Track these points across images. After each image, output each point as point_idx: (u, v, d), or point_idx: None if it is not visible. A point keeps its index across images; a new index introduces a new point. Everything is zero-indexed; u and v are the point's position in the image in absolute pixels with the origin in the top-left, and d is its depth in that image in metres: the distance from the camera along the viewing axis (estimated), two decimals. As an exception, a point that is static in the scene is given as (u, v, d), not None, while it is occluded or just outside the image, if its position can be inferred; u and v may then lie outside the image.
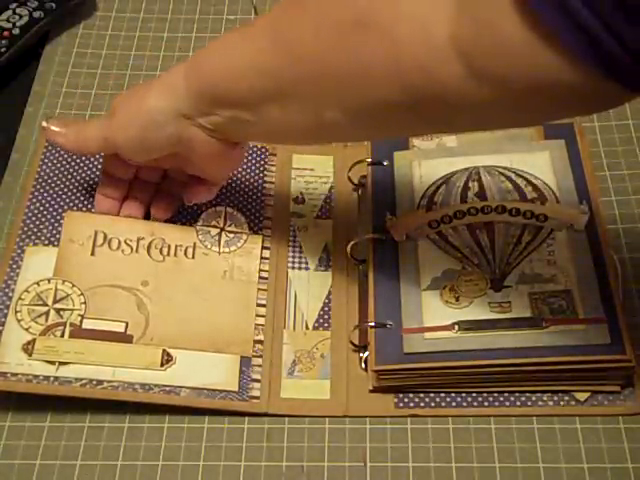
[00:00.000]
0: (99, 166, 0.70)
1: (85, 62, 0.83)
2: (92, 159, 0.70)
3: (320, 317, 0.65)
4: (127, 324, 0.62)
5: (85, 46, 0.84)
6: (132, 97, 0.60)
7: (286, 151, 0.74)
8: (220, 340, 0.62)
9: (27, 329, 0.61)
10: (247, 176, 0.71)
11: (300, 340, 0.64)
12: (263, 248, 0.68)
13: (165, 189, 0.67)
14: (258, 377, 0.61)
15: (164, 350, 0.61)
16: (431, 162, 0.70)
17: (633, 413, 0.59)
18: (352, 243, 0.67)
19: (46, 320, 0.61)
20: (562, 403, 0.60)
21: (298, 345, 0.64)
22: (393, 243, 0.66)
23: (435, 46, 0.43)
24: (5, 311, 0.61)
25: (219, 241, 0.67)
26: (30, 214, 0.66)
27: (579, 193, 0.66)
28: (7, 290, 0.62)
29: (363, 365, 0.62)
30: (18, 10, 0.83)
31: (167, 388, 0.60)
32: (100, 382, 0.59)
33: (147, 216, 0.68)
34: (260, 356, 0.62)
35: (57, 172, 0.69)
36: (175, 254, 0.66)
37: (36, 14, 0.82)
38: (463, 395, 0.60)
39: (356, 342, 0.63)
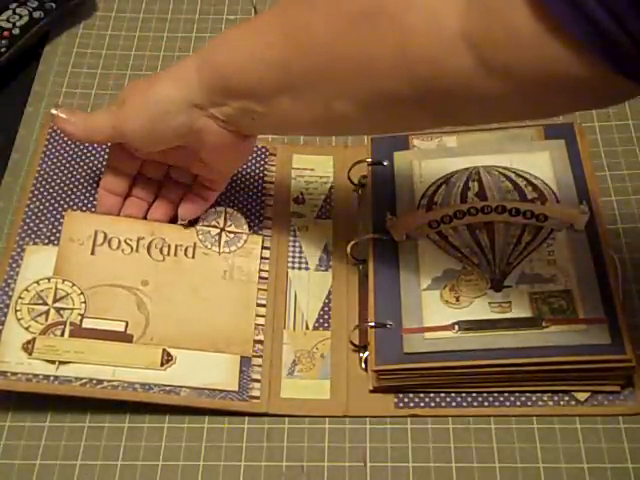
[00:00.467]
0: (99, 166, 0.70)
1: (85, 62, 0.83)
2: (92, 158, 0.70)
3: (320, 317, 0.65)
4: (127, 324, 0.62)
5: (85, 46, 0.84)
6: (143, 86, 0.60)
7: (286, 151, 0.74)
8: (220, 340, 0.62)
9: (27, 328, 0.61)
10: (247, 176, 0.71)
11: (300, 340, 0.64)
12: (263, 248, 0.68)
13: (165, 193, 0.67)
14: (258, 377, 0.61)
15: (164, 350, 0.61)
16: (431, 162, 0.70)
17: (633, 413, 0.59)
18: (352, 243, 0.67)
19: (46, 319, 0.61)
20: (562, 403, 0.60)
21: (298, 345, 0.63)
22: (393, 243, 0.66)
23: (445, 37, 0.43)
24: (5, 310, 0.61)
25: (219, 241, 0.67)
26: (30, 214, 0.66)
27: (579, 193, 0.66)
28: (7, 289, 0.62)
29: (363, 365, 0.62)
30: (18, 10, 0.83)
31: (167, 388, 0.60)
32: (100, 382, 0.59)
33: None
34: (260, 356, 0.62)
35: (57, 172, 0.69)
36: (175, 254, 0.66)
37: (36, 14, 0.82)
38: (463, 395, 0.60)
39: (356, 342, 0.63)
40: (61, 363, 0.60)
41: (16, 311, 0.61)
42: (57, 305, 0.62)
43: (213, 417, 0.60)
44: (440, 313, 0.62)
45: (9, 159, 0.75)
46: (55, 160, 0.70)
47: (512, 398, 0.60)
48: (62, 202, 0.67)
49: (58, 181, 0.69)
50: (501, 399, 0.60)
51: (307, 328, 0.64)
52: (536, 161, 0.69)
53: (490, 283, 0.63)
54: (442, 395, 0.61)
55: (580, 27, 0.38)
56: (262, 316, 0.64)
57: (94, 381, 0.59)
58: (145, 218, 0.67)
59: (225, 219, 0.68)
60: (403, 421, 0.60)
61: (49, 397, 0.60)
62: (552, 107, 0.47)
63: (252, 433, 0.60)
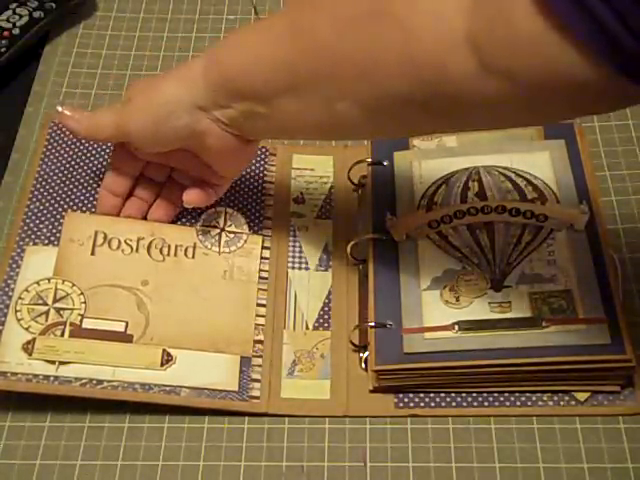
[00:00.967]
0: (99, 166, 0.70)
1: (85, 62, 0.83)
2: (92, 159, 0.70)
3: (320, 317, 0.65)
4: (127, 324, 0.62)
5: (85, 46, 0.84)
6: (148, 86, 0.60)
7: (286, 151, 0.74)
8: (220, 340, 0.62)
9: (27, 328, 0.61)
10: (247, 176, 0.71)
11: (300, 340, 0.64)
12: (263, 248, 0.68)
13: (167, 194, 0.67)
14: (258, 377, 0.61)
15: (164, 350, 0.61)
16: (431, 162, 0.70)
17: (633, 413, 0.59)
18: (352, 243, 0.67)
19: (46, 319, 0.61)
20: (562, 403, 0.60)
21: (298, 345, 0.63)
22: (393, 243, 0.66)
23: (449, 39, 0.43)
24: (5, 310, 0.61)
25: (219, 241, 0.67)
26: (30, 214, 0.66)
27: (579, 193, 0.66)
28: (7, 289, 0.62)
29: (363, 365, 0.62)
30: (18, 10, 0.83)
31: (167, 388, 0.60)
32: (100, 382, 0.59)
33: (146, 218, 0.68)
34: (260, 356, 0.62)
35: (57, 172, 0.69)
36: (175, 254, 0.66)
37: (36, 14, 0.82)
38: (463, 395, 0.60)
39: (356, 342, 0.63)
40: (61, 363, 0.60)
41: (16, 311, 0.61)
42: (57, 305, 0.62)
43: (213, 417, 0.60)
44: (440, 313, 0.62)
45: (9, 159, 0.75)
46: (55, 160, 0.70)
47: (512, 398, 0.60)
48: (62, 202, 0.67)
49: (58, 181, 0.69)
50: (501, 399, 0.60)
51: (307, 328, 0.64)
52: (536, 161, 0.69)
53: (490, 283, 0.63)
54: (442, 395, 0.61)
55: (583, 25, 0.37)
56: (262, 316, 0.64)
57: (94, 381, 0.59)
58: (145, 218, 0.67)
59: (225, 219, 0.68)
60: (403, 421, 0.60)
61: (49, 397, 0.60)
62: (556, 112, 0.47)
63: (252, 433, 0.60)
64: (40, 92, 0.80)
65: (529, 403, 0.60)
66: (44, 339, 0.61)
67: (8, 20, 0.82)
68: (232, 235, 0.68)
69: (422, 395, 0.61)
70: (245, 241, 0.68)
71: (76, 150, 0.71)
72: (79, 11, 0.86)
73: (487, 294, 0.62)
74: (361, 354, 0.63)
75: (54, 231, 0.66)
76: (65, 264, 0.64)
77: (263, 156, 0.73)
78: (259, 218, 0.69)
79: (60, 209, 0.67)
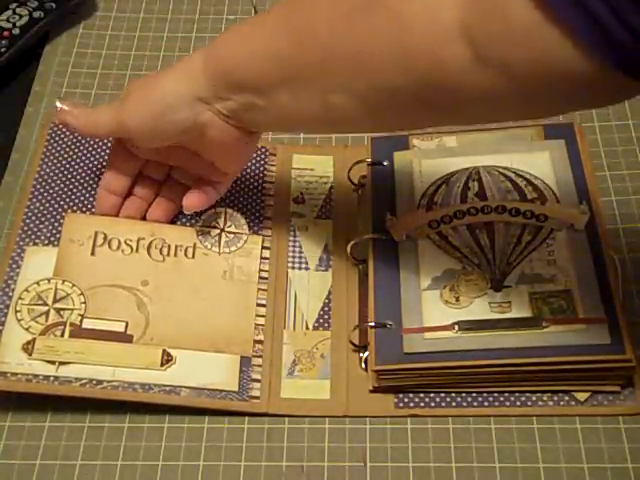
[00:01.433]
0: (99, 166, 0.70)
1: (85, 62, 0.83)
2: (92, 159, 0.70)
3: (320, 317, 0.65)
4: (127, 324, 0.62)
5: (85, 46, 0.84)
6: (147, 81, 0.60)
7: (286, 151, 0.74)
8: (220, 340, 0.62)
9: (27, 329, 0.61)
10: (247, 176, 0.71)
11: (300, 340, 0.64)
12: (263, 248, 0.68)
13: (166, 192, 0.67)
14: (258, 377, 0.61)
15: (164, 350, 0.61)
16: (431, 162, 0.70)
17: (633, 413, 0.59)
18: (352, 243, 0.67)
19: (46, 320, 0.61)
20: (562, 403, 0.60)
21: (298, 345, 0.64)
22: (393, 243, 0.66)
23: (442, 29, 0.43)
24: (5, 311, 0.61)
25: (219, 241, 0.67)
26: (30, 214, 0.66)
27: (579, 193, 0.66)
28: (7, 290, 0.63)
29: (363, 365, 0.62)
30: (18, 10, 0.83)
31: (167, 388, 0.60)
32: (100, 382, 0.59)
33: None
34: (260, 356, 0.62)
35: (57, 172, 0.69)
36: (175, 254, 0.66)
37: (36, 14, 0.82)
38: (463, 395, 0.60)
39: (356, 342, 0.63)
40: (61, 364, 0.60)
41: (16, 312, 0.61)
42: (57, 306, 0.62)
43: (213, 417, 0.60)
44: (440, 313, 0.62)
45: (9, 159, 0.75)
46: (55, 160, 0.70)
47: (512, 398, 0.60)
48: (62, 202, 0.67)
49: (58, 181, 0.69)
50: (501, 399, 0.60)
51: (307, 328, 0.64)
52: (536, 161, 0.69)
53: (490, 283, 0.63)
54: (442, 395, 0.61)
55: (578, 19, 0.37)
56: (262, 316, 0.64)
57: (94, 381, 0.59)
58: (145, 217, 0.67)
59: (225, 219, 0.68)
60: (403, 421, 0.60)
61: (49, 397, 0.60)
62: (551, 105, 0.47)
63: (252, 433, 0.60)
64: (40, 92, 0.80)
65: (529, 403, 0.60)
66: (44, 339, 0.61)
67: (8, 20, 0.82)
68: (232, 235, 0.68)
69: (422, 395, 0.61)
70: (245, 241, 0.68)
71: (76, 150, 0.71)
72: (79, 11, 0.86)
73: (487, 294, 0.62)
74: (361, 354, 0.63)
75: (54, 231, 0.66)
76: (65, 264, 0.64)
77: (263, 156, 0.73)
78: (259, 218, 0.69)
79: (60, 209, 0.67)
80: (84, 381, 0.59)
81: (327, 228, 0.70)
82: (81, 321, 0.62)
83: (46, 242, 0.65)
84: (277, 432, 0.60)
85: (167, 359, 0.61)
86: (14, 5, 0.83)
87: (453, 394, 0.61)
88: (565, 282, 0.62)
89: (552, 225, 0.65)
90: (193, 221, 0.68)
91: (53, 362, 0.60)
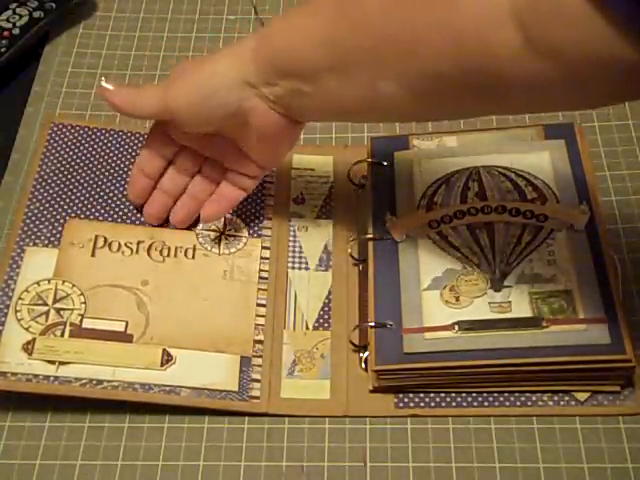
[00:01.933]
0: (99, 166, 0.70)
1: (85, 62, 0.83)
2: (92, 159, 0.70)
3: (320, 317, 0.65)
4: (127, 324, 0.62)
5: (85, 46, 0.84)
6: (195, 64, 0.60)
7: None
8: (220, 340, 0.62)
9: (27, 329, 0.61)
10: (247, 176, 0.71)
11: (300, 340, 0.64)
12: (263, 248, 0.68)
13: (192, 191, 0.66)
14: (258, 377, 0.61)
15: (164, 350, 0.61)
16: (431, 162, 0.70)
17: (633, 413, 0.59)
18: (352, 243, 0.67)
19: (46, 320, 0.61)
20: (562, 403, 0.60)
21: (298, 345, 0.64)
22: (393, 243, 0.66)
23: (494, 16, 0.43)
24: (5, 311, 0.61)
25: (219, 243, 0.67)
26: (30, 214, 0.66)
27: (579, 193, 0.66)
28: (7, 290, 0.63)
29: (363, 365, 0.62)
30: (18, 10, 0.83)
31: (167, 388, 0.60)
32: (100, 382, 0.59)
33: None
34: (260, 356, 0.62)
35: (57, 172, 0.69)
36: (175, 255, 0.66)
37: (36, 14, 0.82)
38: (463, 395, 0.60)
39: (356, 342, 0.63)
40: (61, 363, 0.60)
41: (16, 312, 0.61)
42: (57, 306, 0.62)
43: (213, 417, 0.60)
44: (440, 313, 0.62)
45: (9, 159, 0.75)
46: (55, 161, 0.70)
47: (512, 398, 0.60)
48: (62, 203, 0.67)
49: (58, 182, 0.69)
50: (501, 399, 0.60)
51: (307, 328, 0.64)
52: (536, 161, 0.69)
53: (490, 283, 0.63)
54: (442, 395, 0.61)
55: (630, 6, 0.37)
56: (262, 316, 0.64)
57: (94, 381, 0.59)
58: (167, 219, 0.67)
59: (225, 222, 0.68)
60: (403, 421, 0.60)
61: (49, 397, 0.60)
62: (598, 95, 0.46)
63: (252, 433, 0.60)
64: (40, 92, 0.80)
65: (529, 403, 0.60)
66: (44, 339, 0.61)
67: (8, 20, 0.82)
68: (232, 238, 0.68)
69: (422, 395, 0.61)
70: (245, 243, 0.68)
71: (76, 150, 0.71)
72: (79, 11, 0.86)
73: (487, 294, 0.62)
74: (361, 354, 0.63)
75: (54, 232, 0.66)
76: (65, 265, 0.64)
77: (263, 156, 0.73)
78: (259, 218, 0.69)
79: (60, 209, 0.67)
80: (84, 381, 0.59)
81: (327, 228, 0.70)
82: (81, 321, 0.62)
83: (46, 242, 0.65)
84: (277, 432, 0.60)
85: (167, 359, 0.61)
86: (14, 5, 0.83)
87: (453, 394, 0.61)
88: (565, 282, 0.62)
89: (552, 225, 0.65)
90: (193, 225, 0.68)
91: (53, 362, 0.60)
